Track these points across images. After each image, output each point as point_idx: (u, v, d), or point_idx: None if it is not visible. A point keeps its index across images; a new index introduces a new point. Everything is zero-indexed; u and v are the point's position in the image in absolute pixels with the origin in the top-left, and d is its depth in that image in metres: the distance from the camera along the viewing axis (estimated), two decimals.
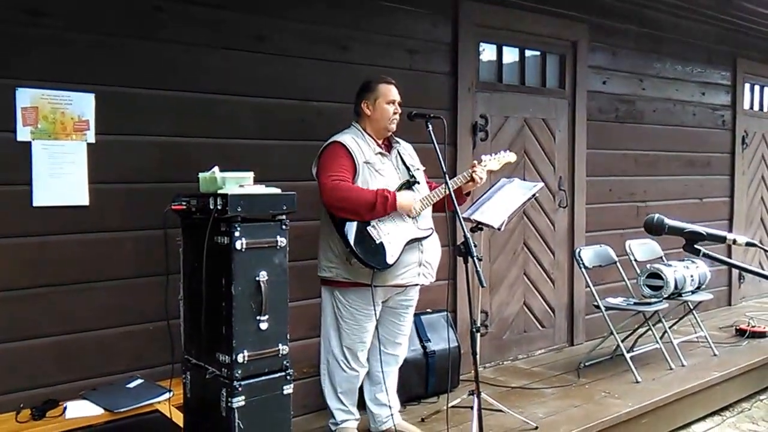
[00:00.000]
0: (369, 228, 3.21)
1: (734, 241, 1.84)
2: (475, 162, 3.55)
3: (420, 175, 3.46)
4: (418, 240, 3.34)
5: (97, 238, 3.24)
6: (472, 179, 3.47)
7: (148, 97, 3.35)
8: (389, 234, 3.24)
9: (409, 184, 3.37)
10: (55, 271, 3.13)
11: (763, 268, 7.35)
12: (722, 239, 1.83)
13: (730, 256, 6.63)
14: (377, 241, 3.21)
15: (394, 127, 3.41)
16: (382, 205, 3.17)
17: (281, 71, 3.78)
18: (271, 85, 3.75)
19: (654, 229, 1.88)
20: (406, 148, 3.52)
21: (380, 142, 3.42)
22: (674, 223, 1.86)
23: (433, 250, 3.43)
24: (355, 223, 3.19)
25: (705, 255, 1.84)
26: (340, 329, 3.40)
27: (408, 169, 3.43)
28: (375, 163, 3.32)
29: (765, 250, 2.04)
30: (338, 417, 3.51)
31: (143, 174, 3.34)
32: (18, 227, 3.04)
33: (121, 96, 3.27)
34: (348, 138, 3.31)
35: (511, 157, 3.71)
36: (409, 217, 3.31)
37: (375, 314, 3.37)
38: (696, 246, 1.84)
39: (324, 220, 3.34)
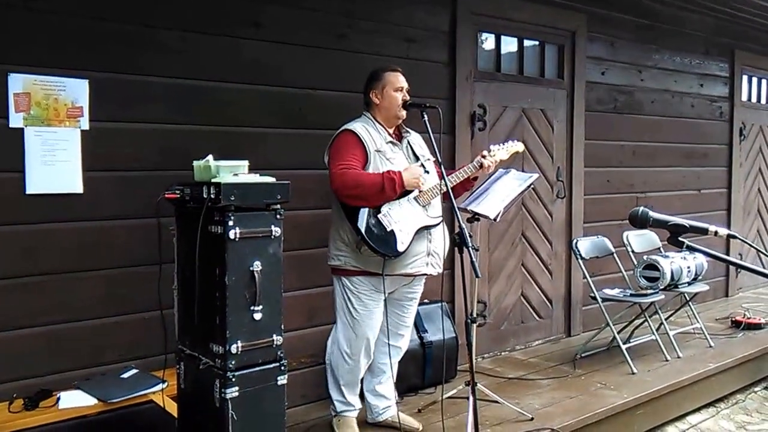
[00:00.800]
0: (380, 216, 3.20)
1: (716, 233, 1.84)
2: (485, 152, 3.54)
3: (430, 165, 3.45)
4: (428, 228, 3.33)
5: (90, 226, 3.21)
6: (482, 165, 3.48)
7: (143, 83, 3.31)
8: (399, 222, 3.24)
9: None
10: (48, 259, 3.11)
11: (761, 261, 7.35)
12: (704, 231, 1.84)
13: (728, 249, 6.65)
14: (388, 229, 3.20)
15: (403, 114, 3.39)
16: (391, 185, 3.15)
17: (278, 58, 3.74)
18: (268, 73, 3.71)
19: (639, 222, 1.88)
20: (415, 139, 3.51)
21: (391, 131, 3.41)
22: (658, 216, 1.86)
23: (440, 240, 3.42)
24: (366, 211, 3.18)
25: (688, 247, 1.83)
26: (351, 319, 3.37)
27: (418, 159, 3.42)
28: (386, 152, 3.30)
29: (746, 242, 2.02)
30: (338, 408, 3.52)
31: (138, 162, 3.31)
32: (10, 215, 3.01)
33: (115, 82, 3.23)
34: (359, 126, 3.30)
35: (519, 146, 3.71)
36: (418, 202, 3.28)
37: (383, 304, 3.37)
38: (680, 238, 1.84)
39: (335, 208, 3.33)
